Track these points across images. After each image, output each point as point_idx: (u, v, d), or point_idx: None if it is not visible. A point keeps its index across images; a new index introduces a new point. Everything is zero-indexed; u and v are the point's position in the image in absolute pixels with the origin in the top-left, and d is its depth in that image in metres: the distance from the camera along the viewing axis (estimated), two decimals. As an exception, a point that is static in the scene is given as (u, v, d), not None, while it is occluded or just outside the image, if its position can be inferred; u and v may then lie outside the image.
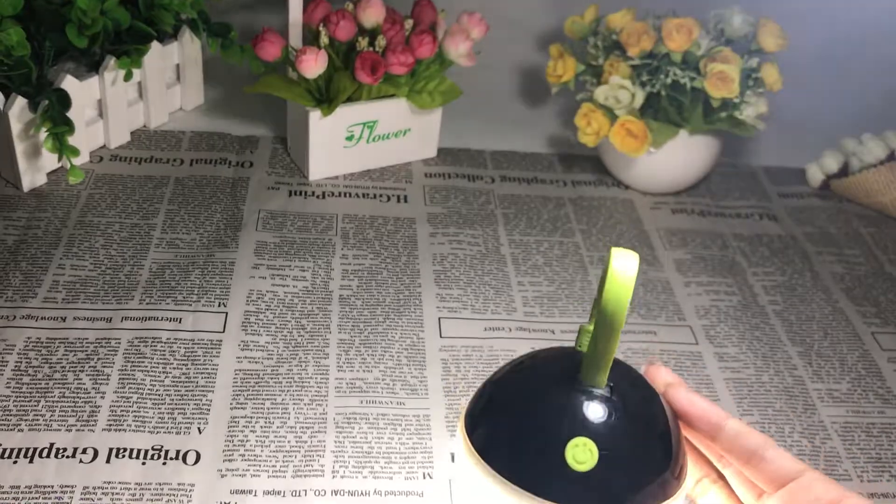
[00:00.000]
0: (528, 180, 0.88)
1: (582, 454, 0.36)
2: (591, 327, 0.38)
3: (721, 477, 0.43)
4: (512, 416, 0.39)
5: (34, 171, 0.77)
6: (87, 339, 0.63)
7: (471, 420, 0.41)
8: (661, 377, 0.42)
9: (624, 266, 0.36)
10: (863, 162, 0.89)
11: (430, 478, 0.57)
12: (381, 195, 0.83)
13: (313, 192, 0.82)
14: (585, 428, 0.37)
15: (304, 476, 0.56)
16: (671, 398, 0.41)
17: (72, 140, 0.74)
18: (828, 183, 0.91)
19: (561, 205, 0.85)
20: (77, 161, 0.75)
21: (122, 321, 0.65)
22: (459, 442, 0.40)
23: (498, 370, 0.42)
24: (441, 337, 0.68)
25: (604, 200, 0.86)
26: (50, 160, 0.78)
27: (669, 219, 0.85)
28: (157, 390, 0.60)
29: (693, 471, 0.43)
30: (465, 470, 0.39)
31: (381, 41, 0.78)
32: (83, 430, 0.57)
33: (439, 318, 0.70)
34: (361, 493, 0.55)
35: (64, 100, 0.73)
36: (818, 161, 0.92)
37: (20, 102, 0.72)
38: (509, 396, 0.40)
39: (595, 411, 0.37)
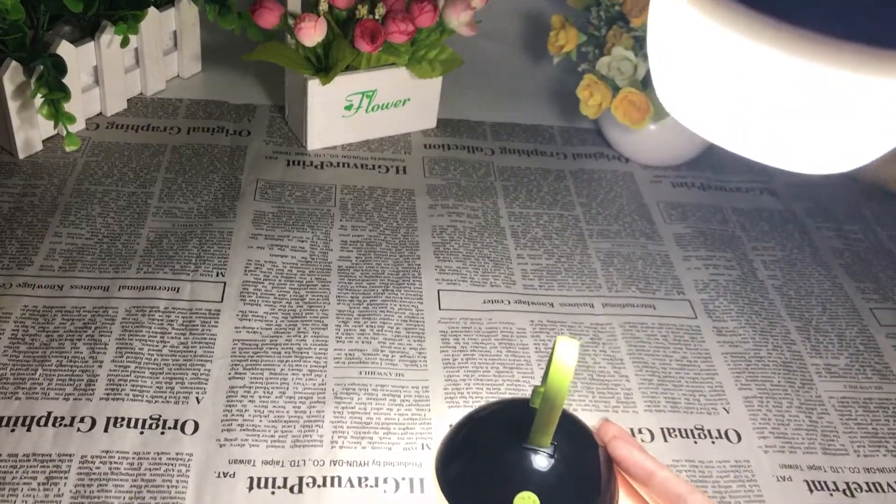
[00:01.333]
0: (529, 152, 0.87)
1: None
2: (542, 389, 0.44)
3: None
4: (471, 470, 0.46)
5: (29, 138, 0.76)
6: (84, 307, 0.63)
7: (439, 466, 0.48)
8: (610, 431, 0.47)
9: (566, 355, 0.42)
10: (864, 137, 0.89)
11: (429, 448, 0.57)
12: (379, 166, 0.82)
13: (311, 163, 0.81)
14: (531, 482, 0.44)
15: (303, 446, 0.56)
16: (612, 449, 0.46)
17: (67, 107, 0.73)
18: (829, 158, 0.91)
19: (561, 177, 0.84)
20: (73, 128, 0.74)
21: (119, 290, 0.65)
22: (433, 481, 0.47)
23: (463, 420, 0.49)
24: (440, 309, 0.68)
25: (604, 173, 0.86)
26: (46, 127, 0.77)
27: (670, 192, 0.84)
28: (154, 360, 0.60)
29: None
30: None
31: (380, 9, 0.77)
32: (81, 400, 0.57)
33: (438, 291, 0.69)
34: (360, 463, 0.55)
35: (59, 65, 0.72)
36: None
37: (15, 67, 0.71)
38: (469, 450, 0.47)
39: (539, 468, 0.45)
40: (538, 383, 0.62)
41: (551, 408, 0.43)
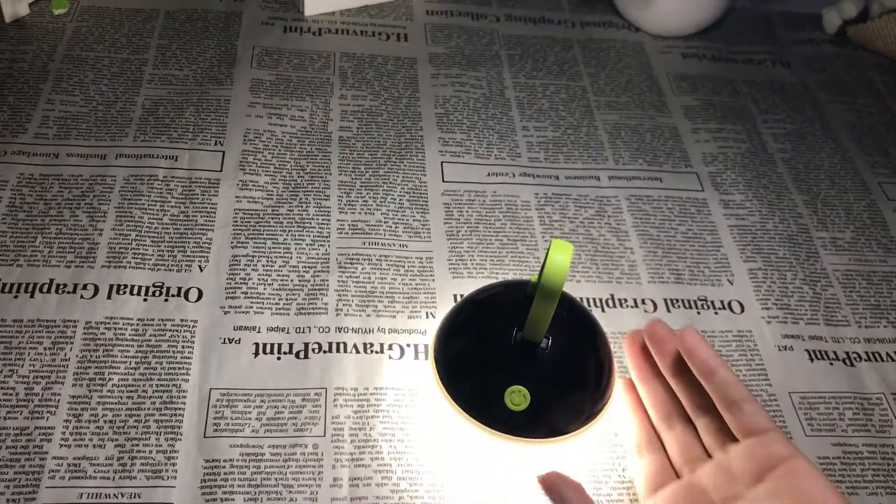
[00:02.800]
0: (535, 20, 0.84)
1: (517, 398, 0.46)
2: (537, 283, 0.45)
3: (688, 420, 0.48)
4: (466, 359, 0.48)
5: (16, 2, 0.73)
6: (81, 175, 0.62)
7: (437, 349, 0.50)
8: (660, 330, 0.49)
9: (560, 257, 0.43)
10: (884, 7, 0.85)
11: (433, 317, 0.57)
12: (380, 33, 0.79)
13: (309, 29, 0.78)
14: (523, 375, 0.46)
15: (308, 314, 0.56)
16: (685, 338, 0.46)
17: (53, -33, 0.69)
18: (844, 29, 0.88)
19: (568, 47, 0.81)
20: (60, -10, 0.71)
21: (116, 158, 0.63)
22: (431, 368, 0.49)
23: (462, 303, 0.52)
24: (443, 181, 0.67)
25: (613, 43, 0.83)
26: (31, -11, 0.74)
27: (679, 63, 0.82)
28: (155, 228, 0.59)
29: (663, 407, 0.49)
30: (437, 395, 0.49)
31: None
32: (82, 267, 0.56)
33: (441, 163, 0.68)
34: (365, 330, 0.55)
35: (42, -79, 0.69)
36: (836, 5, 0.88)
37: (-5, -77, 0.67)
38: (465, 337, 0.49)
39: (530, 363, 0.46)
40: (541, 256, 0.62)
41: (544, 307, 0.45)
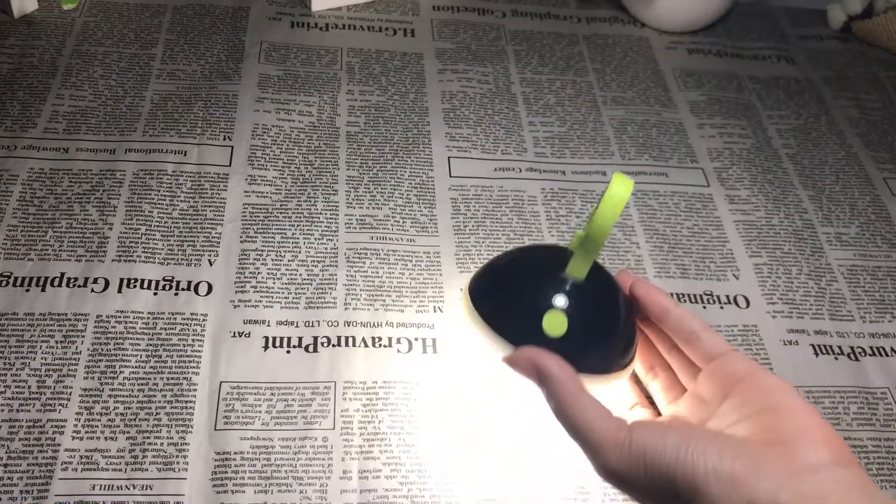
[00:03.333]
0: (541, 15, 0.84)
1: (555, 321, 0.45)
2: (583, 234, 0.46)
3: (668, 367, 0.49)
4: (508, 289, 0.48)
5: (24, -4, 0.74)
6: (91, 170, 0.62)
7: (473, 280, 0.49)
8: (630, 277, 0.48)
9: (621, 192, 0.44)
10: (889, 2, 0.86)
11: (441, 311, 0.57)
12: (386, 28, 0.80)
13: (316, 24, 0.79)
14: (561, 305, 0.46)
15: (317, 308, 0.56)
16: (634, 288, 0.47)
17: (62, -38, 0.70)
18: (849, 25, 0.88)
19: (574, 42, 0.82)
20: (69, -15, 0.71)
21: (125, 153, 0.64)
22: (464, 304, 0.48)
23: (501, 255, 0.52)
24: (450, 176, 0.67)
25: (619, 39, 0.83)
26: (40, -16, 0.75)
27: (685, 59, 0.82)
28: (165, 222, 0.60)
29: (646, 359, 0.50)
30: (471, 326, 0.48)
31: None
32: (93, 261, 0.57)
33: (448, 158, 0.68)
34: (373, 324, 0.56)
35: (51, -83, 0.69)
36: (841, 0, 0.88)
37: (5, -81, 0.68)
38: (508, 274, 0.49)
39: (571, 294, 0.46)
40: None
41: (595, 240, 0.45)
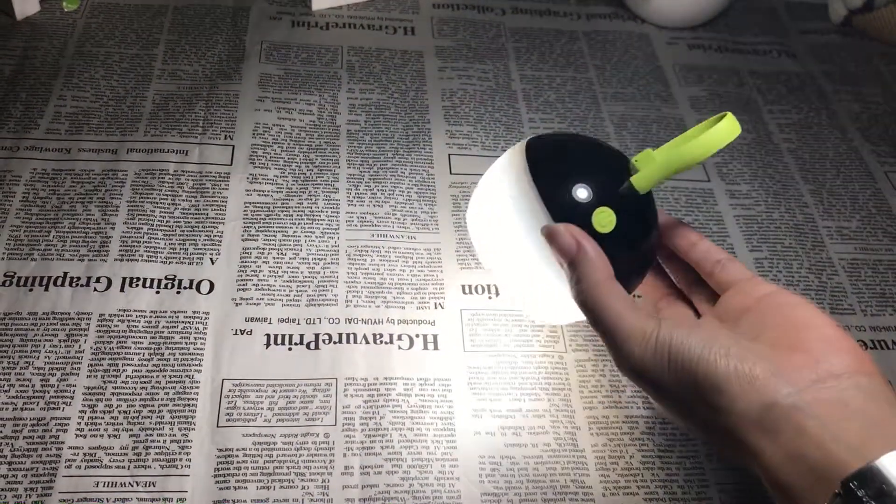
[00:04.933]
0: (541, 12, 0.84)
1: (604, 221, 0.44)
2: (656, 154, 0.45)
3: (681, 295, 0.49)
4: (570, 167, 0.46)
5: (26, -2, 0.74)
6: (93, 170, 0.63)
7: (535, 149, 0.47)
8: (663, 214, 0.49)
9: (728, 132, 0.43)
10: (889, -4, 0.86)
11: (442, 308, 0.57)
12: (387, 27, 0.80)
13: (317, 23, 0.79)
14: (615, 204, 0.45)
15: (319, 305, 0.57)
16: (665, 219, 0.49)
17: (63, -36, 0.70)
18: (850, 19, 0.88)
19: (574, 39, 0.82)
20: (70, -13, 0.72)
21: (127, 153, 0.64)
22: (514, 160, 0.47)
23: (570, 134, 0.51)
24: (451, 174, 0.67)
25: (619, 35, 0.83)
26: (41, -14, 0.75)
27: (685, 54, 0.82)
28: (167, 221, 0.60)
29: (660, 287, 0.50)
30: (509, 183, 0.46)
31: None
32: (95, 261, 0.57)
33: (449, 155, 0.69)
34: (375, 321, 0.56)
35: (52, -81, 0.69)
36: (842, -5, 0.88)
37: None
38: (576, 154, 0.47)
39: (627, 201, 0.45)
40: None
41: (680, 165, 0.44)
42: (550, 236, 0.43)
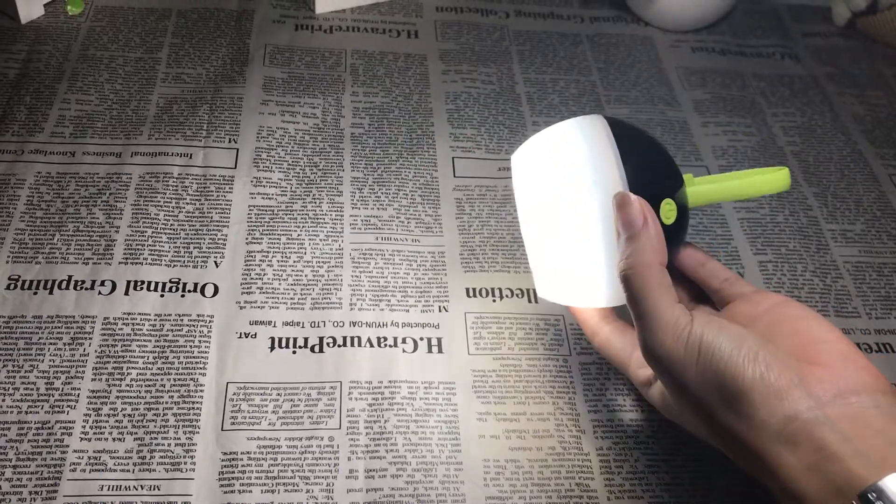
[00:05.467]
0: (545, 15, 0.84)
1: (669, 213, 0.46)
2: (697, 180, 0.48)
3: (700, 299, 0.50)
4: (650, 153, 0.48)
5: (30, 2, 0.74)
6: (97, 173, 0.63)
7: (617, 123, 0.48)
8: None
9: (776, 185, 0.48)
10: (893, -1, 0.86)
11: (446, 311, 0.57)
12: (390, 30, 0.80)
13: (320, 27, 0.79)
14: (677, 200, 0.46)
15: (323, 308, 0.57)
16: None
17: (68, -33, 0.70)
18: (854, 21, 0.88)
19: (578, 42, 0.82)
20: (74, -10, 0.72)
21: (131, 156, 0.64)
22: (600, 133, 0.47)
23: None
24: (455, 176, 0.67)
25: (622, 38, 0.83)
26: (46, -10, 0.75)
27: (689, 57, 0.82)
28: (171, 225, 0.60)
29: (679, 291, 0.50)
30: (589, 147, 0.47)
31: None
32: (100, 264, 0.57)
33: (453, 158, 0.69)
34: (379, 324, 0.56)
35: (57, -77, 0.69)
36: (846, -2, 0.88)
37: (11, -75, 0.68)
38: (655, 145, 0.49)
39: (681, 205, 0.47)
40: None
41: (724, 192, 0.48)
42: (622, 204, 0.44)
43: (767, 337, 0.41)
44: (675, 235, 0.46)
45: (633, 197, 0.44)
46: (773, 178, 0.47)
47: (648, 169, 0.46)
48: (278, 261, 0.59)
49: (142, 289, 0.56)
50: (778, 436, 0.37)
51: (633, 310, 0.42)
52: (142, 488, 0.47)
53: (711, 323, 0.40)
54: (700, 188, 0.47)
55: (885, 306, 0.62)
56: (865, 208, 0.69)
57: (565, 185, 0.47)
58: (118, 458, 0.48)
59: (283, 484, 0.48)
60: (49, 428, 0.49)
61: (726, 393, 0.38)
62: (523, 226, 0.51)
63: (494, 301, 0.59)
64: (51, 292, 0.55)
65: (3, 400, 0.50)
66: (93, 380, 0.51)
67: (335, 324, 0.56)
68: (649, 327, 0.41)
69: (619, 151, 0.46)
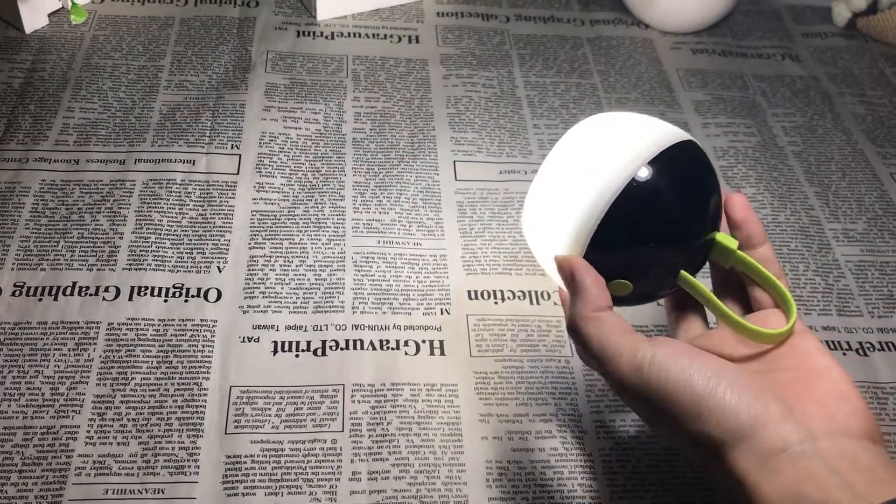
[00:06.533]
0: (545, 19, 0.85)
1: (622, 289, 0.42)
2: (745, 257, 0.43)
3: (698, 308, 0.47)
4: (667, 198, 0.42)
5: (35, 12, 0.75)
6: (101, 181, 0.63)
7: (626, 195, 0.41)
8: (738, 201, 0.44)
9: (774, 337, 0.41)
10: (893, -2, 0.86)
11: (448, 314, 0.58)
12: (391, 35, 0.80)
13: (322, 33, 0.79)
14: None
15: (325, 312, 0.57)
16: (737, 202, 0.44)
17: (71, -23, 0.71)
18: (854, 21, 0.88)
19: (578, 45, 0.82)
20: (78, 0, 0.72)
21: (135, 163, 0.65)
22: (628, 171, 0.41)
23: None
24: (456, 180, 0.68)
25: (622, 40, 0.83)
26: (50, 0, 0.76)
27: (689, 59, 0.82)
28: (174, 231, 0.60)
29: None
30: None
31: None
32: (104, 270, 0.57)
33: (454, 162, 0.69)
34: (381, 327, 0.56)
35: (60, -67, 0.70)
36: (846, -2, 0.89)
37: (14, -64, 0.69)
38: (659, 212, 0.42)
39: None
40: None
41: (716, 309, 0.42)
42: (558, 266, 0.42)
43: (770, 362, 0.41)
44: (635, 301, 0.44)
45: (562, 258, 0.42)
46: (776, 333, 0.41)
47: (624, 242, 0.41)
48: (281, 265, 0.59)
49: (145, 294, 0.56)
50: (760, 464, 0.36)
51: (588, 357, 0.41)
52: (146, 492, 0.48)
53: (678, 355, 0.39)
54: (695, 285, 0.42)
55: (887, 305, 0.62)
56: (867, 207, 0.69)
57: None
58: (123, 462, 0.49)
59: (287, 487, 0.48)
60: (54, 433, 0.49)
61: (702, 423, 0.37)
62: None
63: (496, 303, 0.59)
64: (55, 298, 0.55)
65: (9, 405, 0.50)
66: (97, 385, 0.52)
67: (338, 327, 0.56)
68: (606, 365, 0.40)
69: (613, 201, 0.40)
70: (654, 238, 0.41)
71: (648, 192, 0.41)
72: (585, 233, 0.41)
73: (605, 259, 0.42)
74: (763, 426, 0.37)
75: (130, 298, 0.56)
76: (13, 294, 0.55)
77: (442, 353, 0.55)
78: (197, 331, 0.55)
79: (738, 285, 0.45)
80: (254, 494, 0.48)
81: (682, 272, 0.42)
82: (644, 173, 0.41)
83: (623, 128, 0.44)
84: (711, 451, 0.38)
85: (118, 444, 0.49)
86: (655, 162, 0.41)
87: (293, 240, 0.61)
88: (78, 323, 0.54)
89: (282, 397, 0.52)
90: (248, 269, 0.59)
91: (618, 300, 0.43)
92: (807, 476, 0.35)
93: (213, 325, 0.55)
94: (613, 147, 0.42)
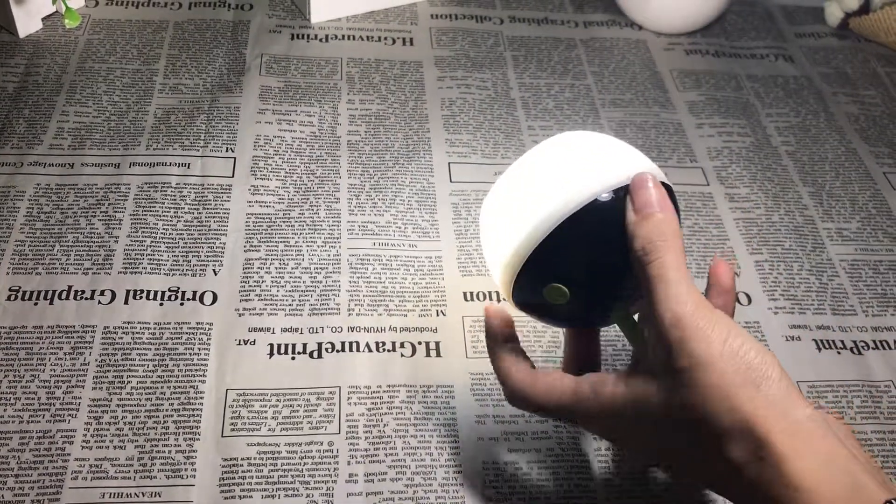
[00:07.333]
0: (539, 21, 0.85)
1: (559, 297, 0.44)
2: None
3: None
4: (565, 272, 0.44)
5: (28, 16, 0.75)
6: (96, 184, 0.63)
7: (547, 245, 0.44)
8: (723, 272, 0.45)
9: None
10: (885, -2, 0.86)
11: (444, 315, 0.58)
12: (386, 38, 0.80)
13: (316, 36, 0.79)
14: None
15: (321, 314, 0.57)
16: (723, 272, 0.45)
17: (65, -19, 0.71)
18: (847, 21, 0.88)
19: (572, 46, 0.82)
20: (72, 3, 0.72)
21: (130, 167, 0.65)
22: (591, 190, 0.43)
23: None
24: (451, 182, 0.68)
25: (616, 41, 0.84)
26: (44, 4, 0.76)
27: (683, 60, 0.83)
28: (169, 234, 0.60)
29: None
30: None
31: None
32: (99, 274, 0.57)
33: (449, 164, 0.69)
34: (377, 329, 0.56)
35: (53, -63, 0.70)
36: (838, -2, 0.89)
37: (8, -60, 0.69)
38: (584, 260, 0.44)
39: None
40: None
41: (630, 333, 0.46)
42: (640, 186, 0.43)
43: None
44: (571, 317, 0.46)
45: (650, 179, 0.43)
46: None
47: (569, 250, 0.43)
48: (276, 268, 0.59)
49: (141, 298, 0.56)
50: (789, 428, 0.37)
51: (648, 277, 0.40)
52: (143, 495, 0.48)
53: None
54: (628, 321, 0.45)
55: (881, 304, 0.62)
56: (861, 206, 0.70)
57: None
58: (119, 465, 0.49)
59: (284, 489, 0.49)
60: (51, 437, 0.49)
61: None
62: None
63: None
64: (51, 302, 0.55)
65: (5, 410, 0.50)
66: (93, 388, 0.52)
67: (333, 329, 0.56)
68: (665, 293, 0.38)
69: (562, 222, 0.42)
70: (591, 267, 0.44)
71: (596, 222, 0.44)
72: (527, 247, 0.44)
73: (545, 263, 0.44)
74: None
75: (126, 302, 0.56)
76: (8, 298, 0.55)
77: (438, 355, 0.56)
78: (193, 334, 0.55)
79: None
80: (250, 497, 0.48)
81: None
82: (605, 197, 0.43)
83: (594, 149, 0.46)
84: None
85: (115, 447, 0.49)
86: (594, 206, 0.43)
87: (288, 242, 0.61)
88: (74, 327, 0.54)
89: (278, 400, 0.52)
90: (244, 272, 0.59)
91: (554, 312, 0.46)
92: (836, 446, 0.37)
93: (209, 328, 0.55)
94: (579, 167, 0.44)
